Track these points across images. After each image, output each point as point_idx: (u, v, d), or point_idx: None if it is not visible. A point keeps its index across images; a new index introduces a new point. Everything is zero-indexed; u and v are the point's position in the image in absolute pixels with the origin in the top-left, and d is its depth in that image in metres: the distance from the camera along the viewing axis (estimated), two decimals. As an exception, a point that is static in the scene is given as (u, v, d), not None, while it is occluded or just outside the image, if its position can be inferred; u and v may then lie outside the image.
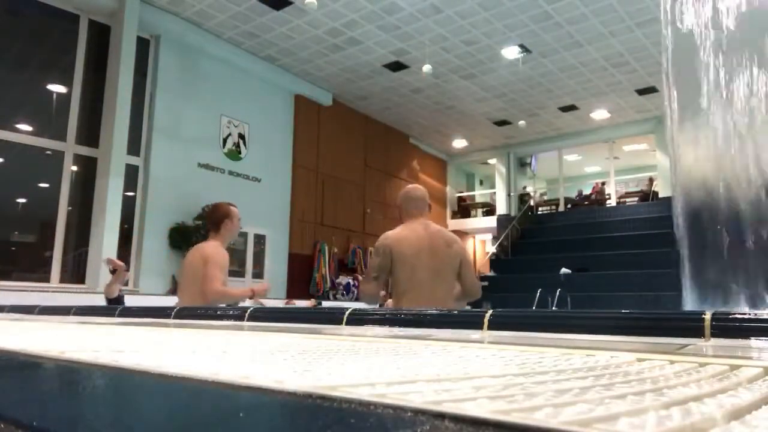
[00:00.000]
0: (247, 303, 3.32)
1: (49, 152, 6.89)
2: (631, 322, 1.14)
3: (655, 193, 13.12)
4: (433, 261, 2.68)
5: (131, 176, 7.32)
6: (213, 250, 3.11)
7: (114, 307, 2.49)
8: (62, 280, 6.69)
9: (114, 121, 6.94)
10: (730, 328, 0.99)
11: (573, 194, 16.06)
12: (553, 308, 8.52)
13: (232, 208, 3.30)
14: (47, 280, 6.59)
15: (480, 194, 17.17)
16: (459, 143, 13.85)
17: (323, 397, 0.42)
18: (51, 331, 1.38)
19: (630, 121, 12.10)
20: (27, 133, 6.77)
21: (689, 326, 1.03)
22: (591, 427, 0.33)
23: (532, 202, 15.09)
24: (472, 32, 8.25)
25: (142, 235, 7.37)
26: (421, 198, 2.93)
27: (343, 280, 10.08)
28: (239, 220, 3.31)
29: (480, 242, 16.34)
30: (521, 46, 8.63)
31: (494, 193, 14.85)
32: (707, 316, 1.01)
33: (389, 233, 2.82)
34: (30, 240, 7.21)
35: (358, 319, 1.53)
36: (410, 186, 3.12)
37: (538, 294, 8.72)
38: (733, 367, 0.63)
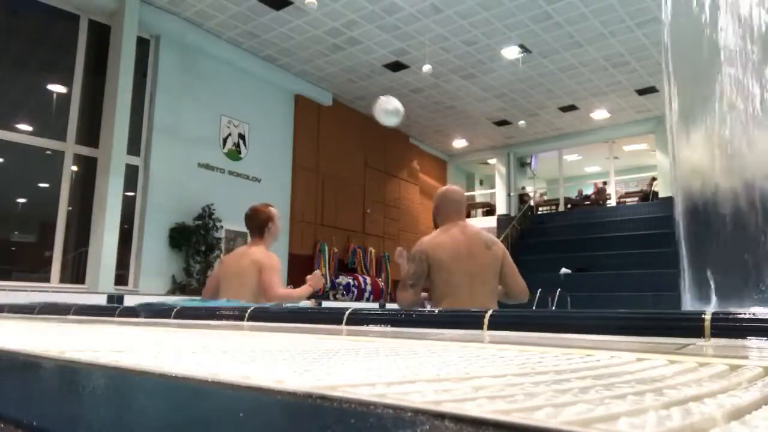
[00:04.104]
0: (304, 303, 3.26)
1: (49, 152, 6.89)
2: (631, 322, 1.14)
3: (655, 193, 13.13)
4: (472, 265, 2.59)
5: (131, 176, 7.32)
6: (264, 256, 3.02)
7: (114, 307, 2.49)
8: (62, 280, 6.69)
9: (114, 121, 6.93)
10: (730, 328, 0.99)
11: (573, 194, 16.06)
12: (553, 308, 8.52)
13: (271, 209, 3.19)
14: (47, 280, 6.59)
15: (480, 194, 17.17)
16: (459, 143, 13.85)
17: (323, 397, 0.42)
18: (51, 331, 1.38)
19: (630, 121, 12.09)
20: (27, 133, 6.77)
21: (689, 326, 1.03)
22: (591, 427, 0.33)
23: (531, 202, 15.09)
24: (472, 32, 8.25)
25: (142, 235, 7.37)
26: (460, 200, 2.82)
27: (343, 280, 10.07)
28: (279, 218, 3.23)
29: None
30: (521, 46, 8.63)
31: (494, 193, 14.86)
32: (707, 316, 1.01)
33: (425, 239, 2.72)
34: (30, 240, 7.21)
35: (358, 319, 1.53)
36: (447, 187, 2.97)
37: (538, 294, 8.71)
38: (733, 367, 0.63)
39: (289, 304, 3.10)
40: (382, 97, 3.34)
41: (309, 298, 3.25)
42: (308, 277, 3.11)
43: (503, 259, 2.69)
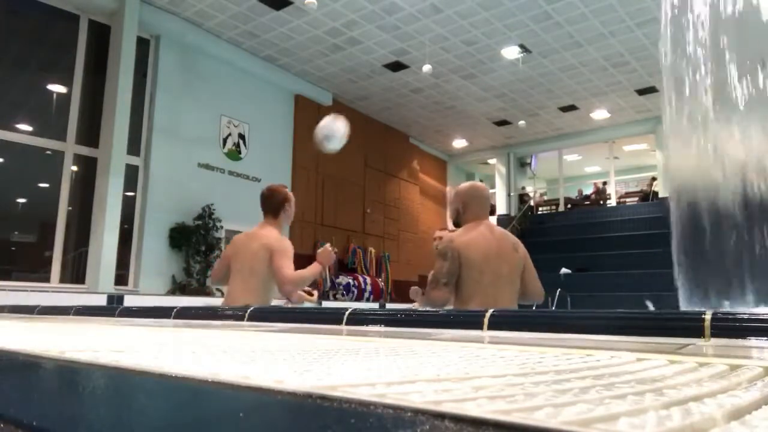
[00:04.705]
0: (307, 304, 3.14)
1: (49, 152, 6.89)
2: (631, 322, 1.14)
3: (655, 193, 13.13)
4: (500, 266, 2.56)
5: (131, 176, 7.32)
6: (276, 239, 2.91)
7: (114, 307, 2.49)
8: (62, 280, 6.69)
9: (114, 121, 6.93)
10: (730, 328, 0.99)
11: (573, 194, 16.06)
12: (553, 308, 8.51)
13: (287, 190, 3.09)
14: (47, 280, 6.59)
15: (480, 194, 17.15)
16: (459, 143, 13.86)
17: (323, 397, 0.42)
18: (51, 331, 1.39)
19: (630, 121, 12.09)
20: (27, 133, 6.77)
21: (689, 326, 1.03)
22: (591, 427, 0.33)
23: (531, 202, 15.10)
24: (472, 32, 8.25)
25: (142, 235, 7.37)
26: (487, 197, 2.78)
27: (343, 280, 10.07)
28: (294, 202, 3.12)
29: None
30: (521, 46, 8.63)
31: (494, 193, 14.86)
32: (707, 316, 1.01)
33: (454, 236, 2.64)
34: (30, 240, 7.21)
35: (358, 319, 1.53)
36: (472, 183, 2.86)
37: (538, 294, 8.71)
38: (733, 367, 0.63)
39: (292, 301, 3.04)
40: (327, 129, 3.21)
41: (312, 288, 3.13)
42: (318, 251, 2.97)
43: (525, 261, 2.68)
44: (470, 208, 2.71)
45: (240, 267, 2.96)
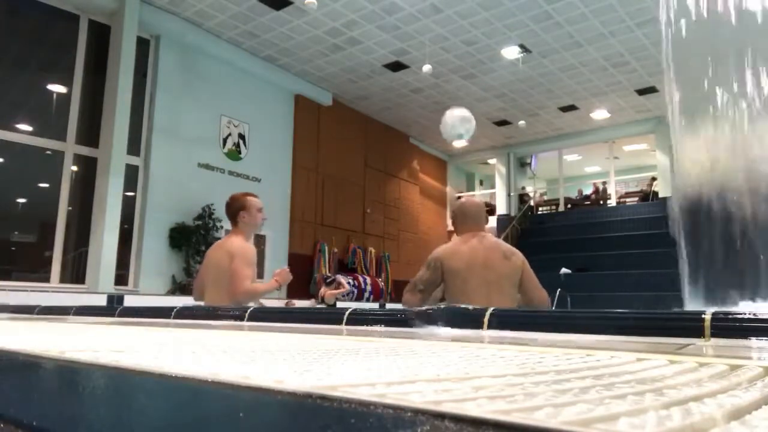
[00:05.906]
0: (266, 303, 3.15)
1: (49, 152, 6.89)
2: (631, 322, 1.14)
3: (655, 193, 13.13)
4: (488, 274, 2.64)
5: (131, 176, 7.32)
6: (238, 245, 2.95)
7: (114, 307, 2.49)
8: (62, 280, 6.69)
9: (114, 121, 6.93)
10: (730, 328, 0.99)
11: (573, 194, 16.06)
12: (553, 308, 8.50)
13: (248, 198, 3.11)
14: (47, 280, 6.59)
15: (480, 194, 17.18)
16: (459, 143, 13.84)
17: (323, 397, 0.42)
18: (51, 331, 1.39)
19: (630, 121, 12.10)
20: (27, 133, 6.77)
21: (689, 326, 1.03)
22: (591, 427, 0.33)
23: (531, 202, 15.10)
24: (472, 32, 8.25)
25: (142, 235, 7.36)
26: (477, 213, 2.90)
27: (343, 280, 10.07)
28: (260, 210, 3.11)
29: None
30: (521, 46, 8.63)
31: (494, 193, 14.86)
32: (707, 316, 1.01)
33: (441, 247, 2.82)
34: (30, 240, 7.21)
35: (358, 319, 1.53)
36: (465, 199, 3.07)
37: (538, 294, 8.69)
38: (733, 367, 0.63)
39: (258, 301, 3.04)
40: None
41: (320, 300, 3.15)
42: (276, 271, 3.04)
43: (522, 270, 2.73)
44: (459, 222, 2.89)
45: (210, 276, 3.02)
